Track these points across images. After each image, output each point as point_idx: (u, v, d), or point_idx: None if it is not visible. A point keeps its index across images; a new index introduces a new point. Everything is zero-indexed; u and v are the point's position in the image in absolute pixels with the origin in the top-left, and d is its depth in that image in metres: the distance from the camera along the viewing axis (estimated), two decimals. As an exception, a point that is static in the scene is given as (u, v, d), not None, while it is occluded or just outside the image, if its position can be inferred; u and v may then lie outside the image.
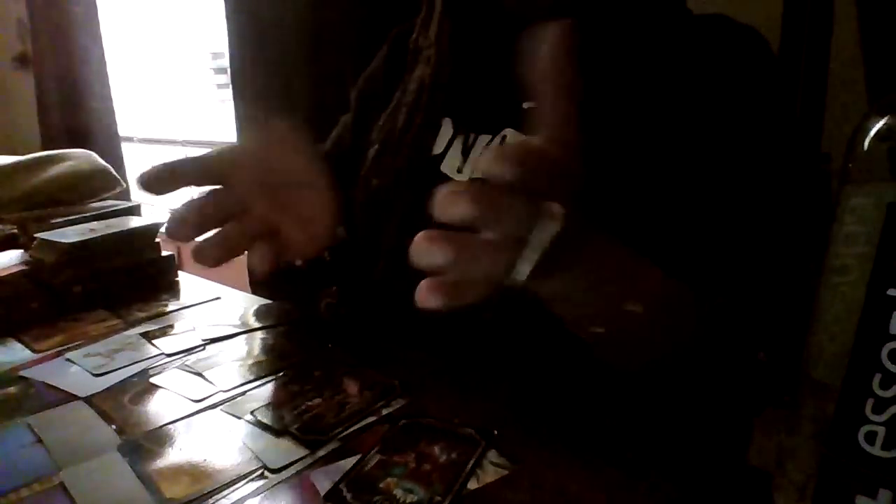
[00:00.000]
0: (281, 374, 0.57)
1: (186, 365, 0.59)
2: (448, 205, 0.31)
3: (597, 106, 0.55)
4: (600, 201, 0.53)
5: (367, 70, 0.76)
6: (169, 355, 0.61)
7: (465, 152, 0.62)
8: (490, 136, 0.61)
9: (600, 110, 0.55)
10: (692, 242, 0.51)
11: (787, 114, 0.57)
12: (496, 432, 0.45)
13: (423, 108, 0.64)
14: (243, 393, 0.54)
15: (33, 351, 0.64)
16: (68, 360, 0.61)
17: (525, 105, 0.60)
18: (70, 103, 2.35)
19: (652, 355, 0.48)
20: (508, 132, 0.60)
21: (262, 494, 0.41)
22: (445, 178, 0.62)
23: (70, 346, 0.64)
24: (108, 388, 0.55)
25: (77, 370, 0.59)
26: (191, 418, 0.50)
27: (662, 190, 0.52)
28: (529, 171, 0.32)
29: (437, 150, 0.64)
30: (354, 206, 0.68)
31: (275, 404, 0.51)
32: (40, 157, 1.04)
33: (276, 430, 0.48)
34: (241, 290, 0.80)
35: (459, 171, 0.62)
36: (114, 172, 1.06)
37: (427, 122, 0.64)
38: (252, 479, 0.42)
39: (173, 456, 0.45)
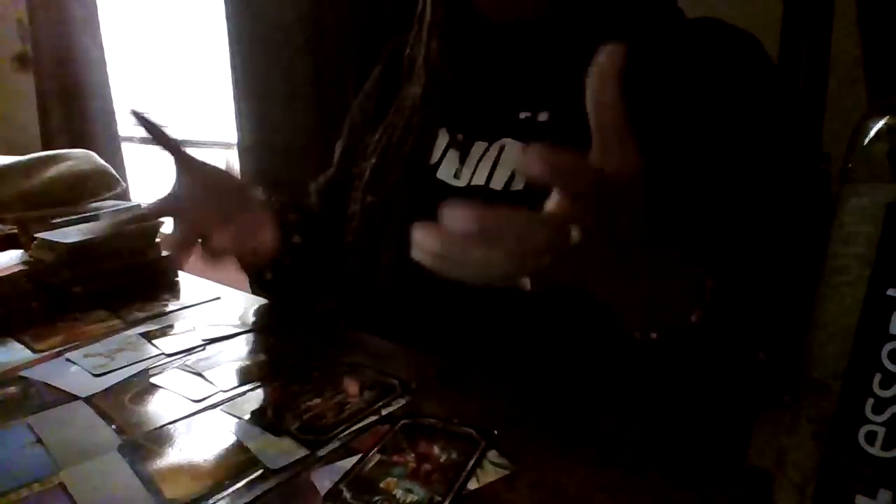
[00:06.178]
0: (281, 374, 0.57)
1: (186, 365, 0.59)
2: (452, 219, 0.33)
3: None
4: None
5: (364, 89, 0.77)
6: (169, 355, 0.61)
7: (463, 157, 0.62)
8: (486, 143, 0.61)
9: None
10: (691, 244, 0.51)
11: (784, 113, 0.56)
12: (496, 432, 0.45)
13: (417, 124, 0.65)
14: (243, 393, 0.54)
15: (33, 351, 0.64)
16: (68, 360, 0.61)
17: (521, 115, 0.60)
18: (70, 103, 2.35)
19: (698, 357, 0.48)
20: (507, 142, 0.60)
21: (262, 494, 0.41)
22: (442, 185, 0.62)
23: (70, 346, 0.64)
24: (108, 388, 0.55)
25: (77, 370, 0.59)
26: (191, 418, 0.50)
27: (660, 192, 0.52)
28: (559, 177, 0.33)
29: (433, 159, 0.64)
30: (350, 221, 0.69)
31: (275, 404, 0.51)
32: (40, 157, 1.04)
33: (276, 430, 0.48)
34: (241, 290, 0.80)
35: (456, 175, 0.62)
36: (114, 172, 1.06)
37: (422, 136, 0.65)
38: (252, 479, 0.42)
39: (173, 456, 0.45)
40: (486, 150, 0.61)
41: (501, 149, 0.60)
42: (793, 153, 0.55)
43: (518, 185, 0.58)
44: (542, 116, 0.59)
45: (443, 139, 0.64)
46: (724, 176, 0.52)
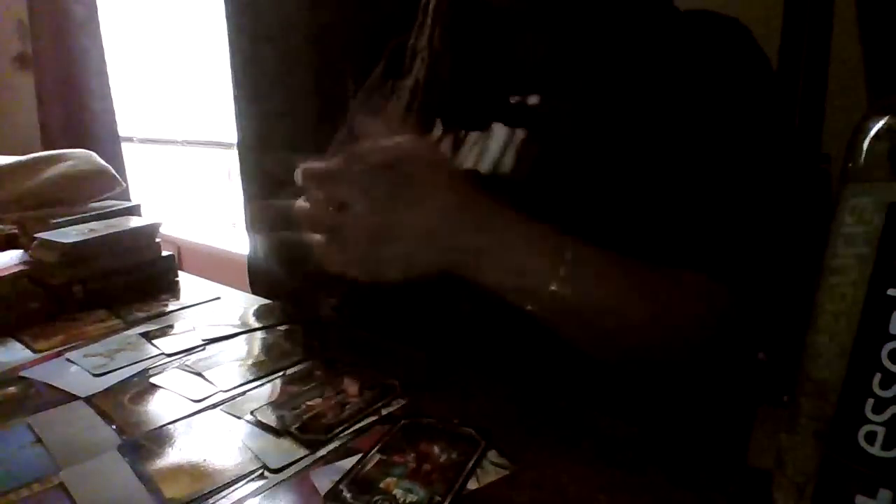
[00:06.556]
0: (281, 374, 0.57)
1: (186, 365, 0.59)
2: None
3: (586, 104, 0.55)
4: (594, 200, 0.53)
5: (364, 89, 0.77)
6: (169, 355, 0.61)
7: (455, 149, 0.63)
8: (479, 133, 0.62)
9: (589, 109, 0.55)
10: (690, 243, 0.51)
11: (777, 107, 0.56)
12: (496, 432, 0.45)
13: (416, 108, 0.66)
14: (243, 393, 0.54)
15: (33, 351, 0.64)
16: (68, 360, 0.61)
17: (512, 99, 0.61)
18: (70, 103, 2.35)
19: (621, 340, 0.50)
20: (496, 127, 0.61)
21: (262, 494, 0.41)
22: None
23: (70, 346, 0.64)
24: (108, 388, 0.55)
25: (77, 370, 0.59)
26: (191, 418, 0.50)
27: (656, 191, 0.52)
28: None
29: None
30: None
31: (275, 404, 0.51)
32: (40, 157, 1.03)
33: (276, 430, 0.48)
34: (241, 290, 0.80)
35: None
36: (114, 172, 1.06)
37: (421, 121, 0.65)
38: (252, 479, 0.42)
39: (173, 456, 0.45)
40: (479, 139, 0.62)
41: (491, 135, 0.61)
42: (788, 147, 0.55)
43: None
44: (533, 100, 0.59)
45: (436, 130, 0.65)
46: (719, 173, 0.52)
